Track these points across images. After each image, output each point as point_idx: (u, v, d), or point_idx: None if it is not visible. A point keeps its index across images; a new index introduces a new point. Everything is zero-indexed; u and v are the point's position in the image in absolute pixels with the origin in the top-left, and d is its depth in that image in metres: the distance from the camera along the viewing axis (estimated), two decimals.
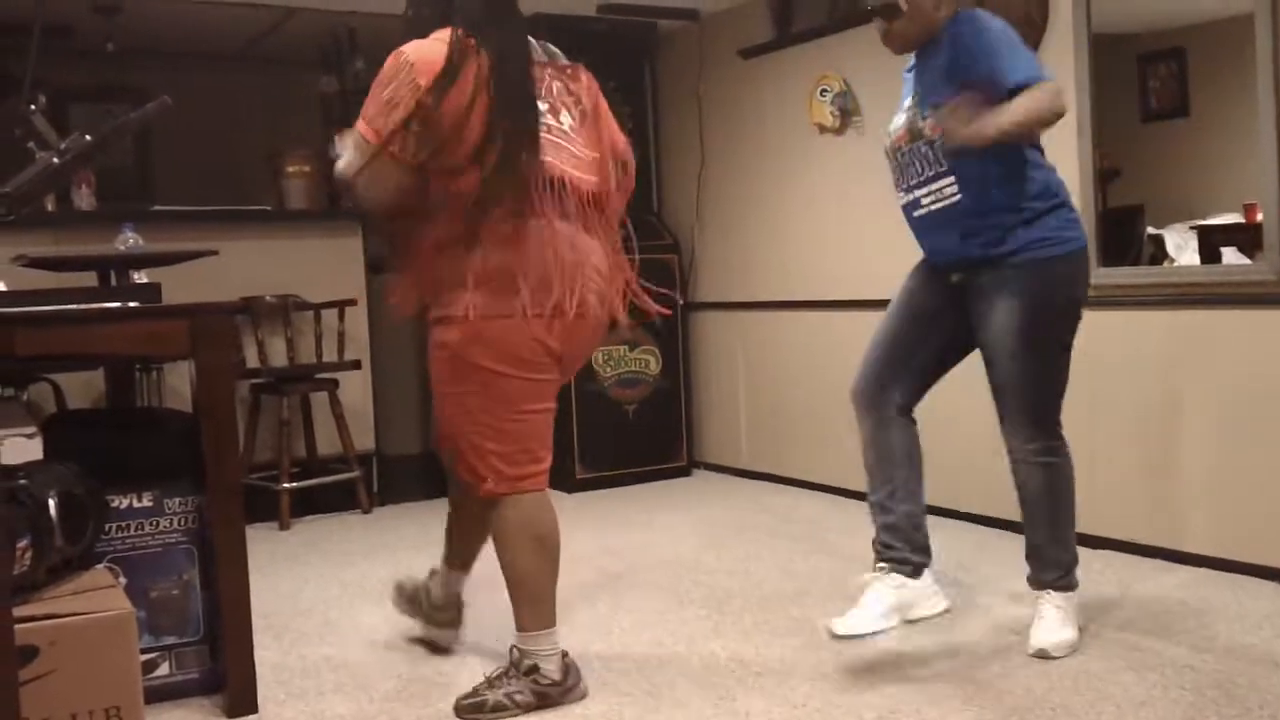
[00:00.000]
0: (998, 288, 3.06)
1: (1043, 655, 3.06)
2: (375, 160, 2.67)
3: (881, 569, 3.20)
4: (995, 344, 3.10)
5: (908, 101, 3.19)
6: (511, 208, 2.70)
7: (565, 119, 2.88)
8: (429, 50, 2.68)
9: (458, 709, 2.85)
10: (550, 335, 2.77)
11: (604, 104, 3.00)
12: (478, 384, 2.76)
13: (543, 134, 2.78)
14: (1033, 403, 3.13)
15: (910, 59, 3.24)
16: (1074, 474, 3.19)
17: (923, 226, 3.18)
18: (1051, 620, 3.13)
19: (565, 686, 2.88)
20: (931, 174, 3.09)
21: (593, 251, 2.87)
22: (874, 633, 3.09)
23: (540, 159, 2.75)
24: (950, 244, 3.13)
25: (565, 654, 2.90)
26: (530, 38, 2.92)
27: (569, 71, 2.98)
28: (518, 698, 2.83)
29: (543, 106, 2.82)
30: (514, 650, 2.87)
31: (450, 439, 2.86)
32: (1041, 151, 3.12)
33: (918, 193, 3.14)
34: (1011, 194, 3.03)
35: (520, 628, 2.86)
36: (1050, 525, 3.16)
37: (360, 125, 2.69)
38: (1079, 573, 3.21)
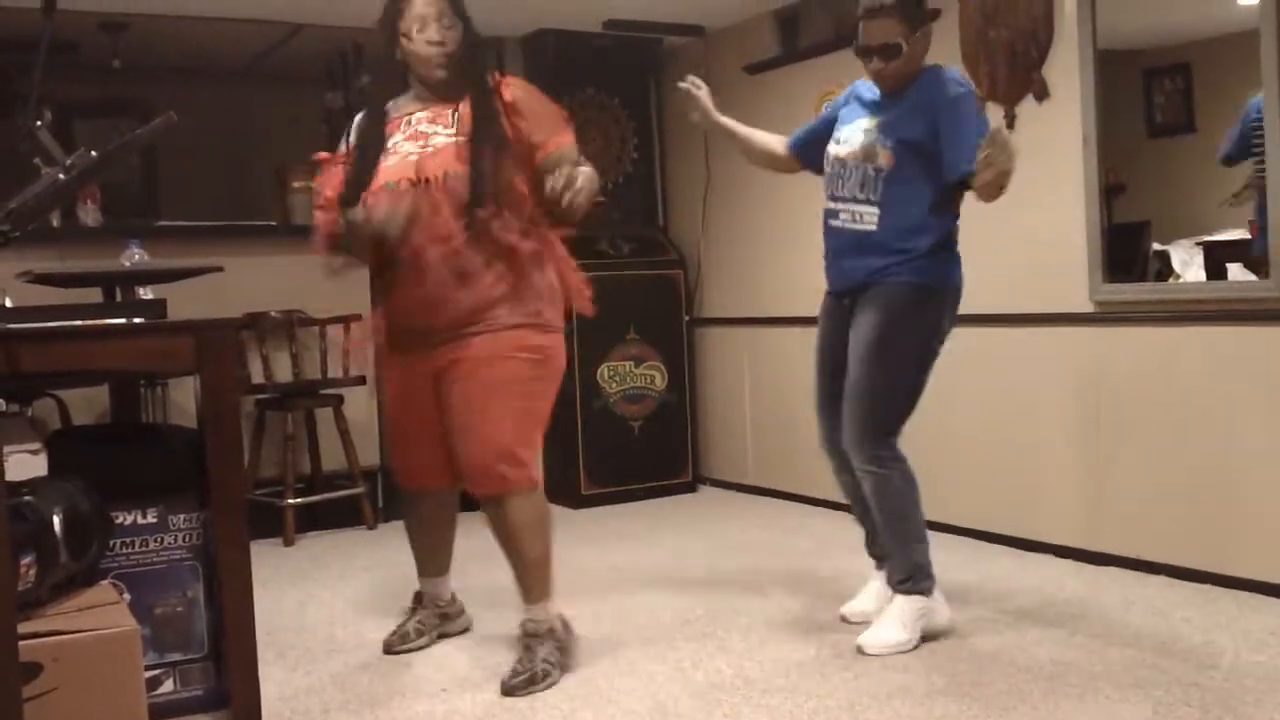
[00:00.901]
0: (870, 301, 3.33)
1: (859, 650, 3.28)
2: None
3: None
4: (851, 351, 3.36)
5: (864, 121, 3.37)
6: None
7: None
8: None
9: (512, 690, 3.07)
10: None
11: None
12: (548, 393, 3.23)
13: None
14: (866, 411, 3.32)
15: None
16: (909, 487, 3.35)
17: (832, 236, 3.45)
18: (886, 619, 3.34)
19: (571, 636, 3.32)
20: (863, 197, 3.32)
21: None
22: (902, 649, 3.28)
23: None
24: (849, 263, 3.39)
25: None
26: None
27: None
28: (553, 659, 3.16)
29: None
30: (528, 623, 3.22)
31: (498, 444, 3.10)
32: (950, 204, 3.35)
33: (839, 205, 3.39)
34: (918, 233, 3.28)
35: (533, 601, 3.22)
36: (889, 531, 3.38)
37: (573, 139, 3.19)
38: (928, 584, 3.37)
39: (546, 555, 3.22)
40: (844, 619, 3.56)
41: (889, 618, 3.34)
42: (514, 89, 3.22)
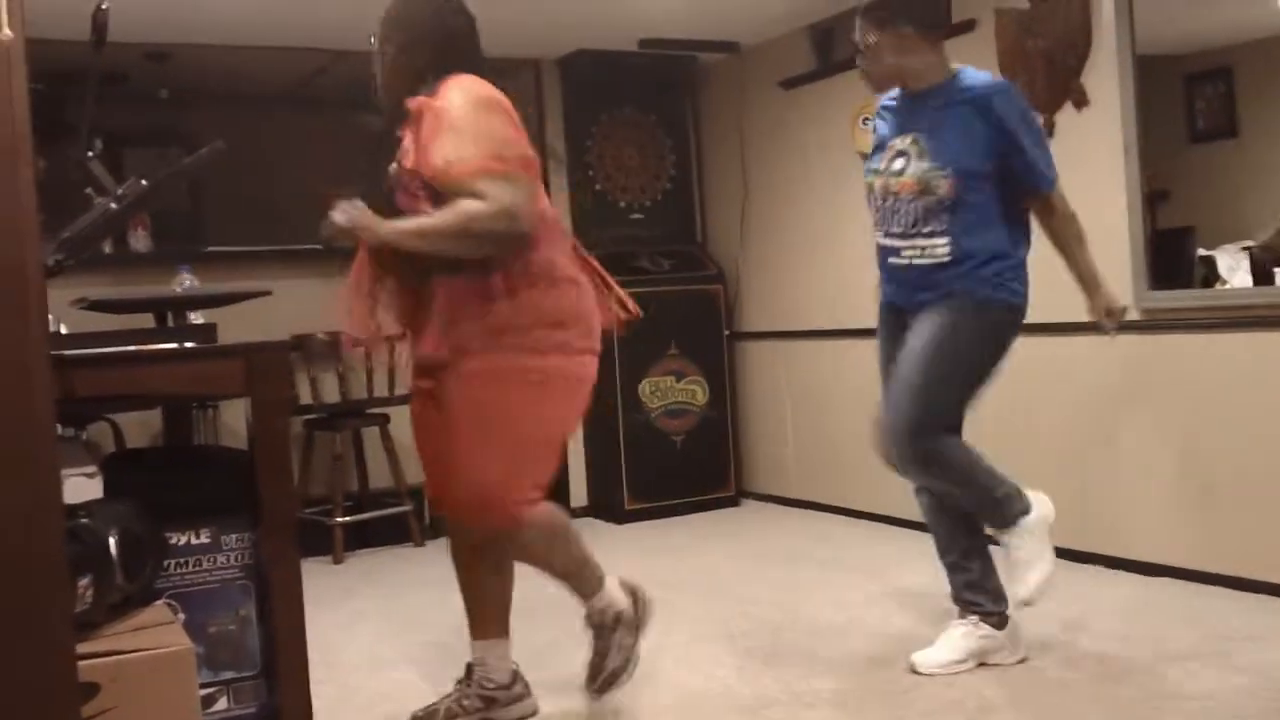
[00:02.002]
0: (934, 305, 3.20)
1: (912, 669, 3.25)
2: (523, 184, 2.73)
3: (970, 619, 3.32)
4: (905, 349, 3.24)
5: (898, 141, 3.24)
6: (545, 241, 2.88)
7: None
8: (488, 87, 2.80)
9: (599, 687, 2.99)
10: (592, 369, 2.99)
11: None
12: (565, 410, 2.95)
13: None
14: (910, 403, 3.20)
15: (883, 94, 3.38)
16: (965, 452, 3.23)
17: (898, 274, 3.28)
18: (943, 640, 3.30)
19: (643, 605, 3.12)
20: (928, 230, 3.17)
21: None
22: (953, 671, 3.20)
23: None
24: (923, 295, 3.23)
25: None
26: None
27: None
28: (626, 642, 3.01)
29: None
30: (594, 614, 3.01)
31: (475, 483, 2.84)
32: (1017, 208, 3.25)
33: (899, 243, 3.23)
34: (998, 256, 3.18)
35: (585, 598, 3.01)
36: (966, 495, 3.27)
37: (483, 164, 2.68)
38: (1023, 504, 3.22)
39: (572, 563, 2.99)
40: (913, 668, 3.27)
41: (945, 638, 3.26)
42: (437, 102, 2.79)
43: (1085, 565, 4.29)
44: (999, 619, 3.26)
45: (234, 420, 5.17)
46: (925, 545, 4.75)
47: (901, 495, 5.15)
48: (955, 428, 3.23)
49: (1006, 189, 3.17)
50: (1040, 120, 3.30)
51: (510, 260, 2.78)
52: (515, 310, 2.79)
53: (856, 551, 4.82)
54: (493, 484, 2.80)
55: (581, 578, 3.02)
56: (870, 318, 5.30)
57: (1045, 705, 2.96)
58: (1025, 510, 3.19)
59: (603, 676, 2.98)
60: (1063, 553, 4.36)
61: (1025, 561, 3.17)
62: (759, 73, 5.93)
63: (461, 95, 2.74)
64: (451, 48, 2.87)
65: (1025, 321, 3.26)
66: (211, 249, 5.72)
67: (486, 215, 2.67)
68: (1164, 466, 4.08)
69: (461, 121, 2.70)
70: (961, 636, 3.25)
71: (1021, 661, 3.27)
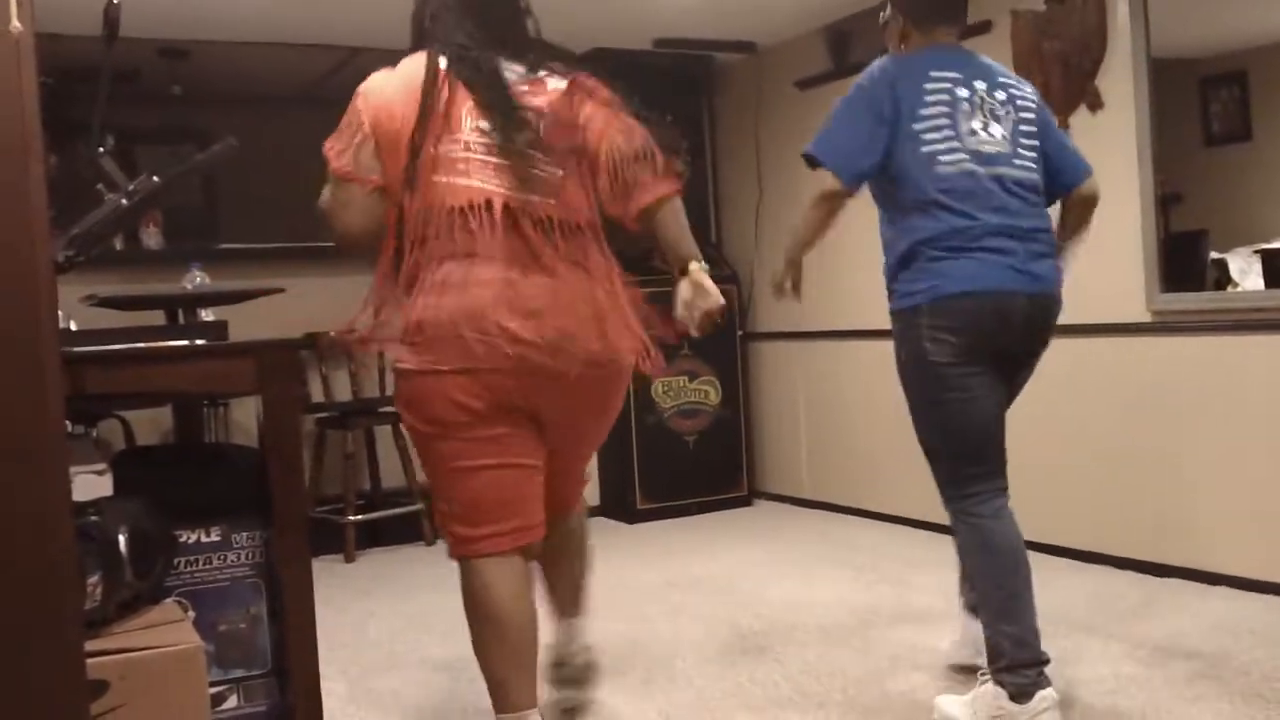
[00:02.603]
0: None
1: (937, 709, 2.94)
2: (335, 184, 2.61)
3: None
4: None
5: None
6: (419, 243, 2.52)
7: (523, 137, 2.55)
8: (377, 76, 2.67)
9: None
10: (466, 392, 2.46)
11: (582, 113, 2.63)
12: (418, 442, 2.63)
13: (463, 154, 2.52)
14: (931, 467, 2.97)
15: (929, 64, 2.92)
16: (974, 549, 2.86)
17: None
18: (968, 696, 2.88)
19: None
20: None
21: (567, 294, 2.48)
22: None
23: (451, 183, 2.50)
24: None
25: None
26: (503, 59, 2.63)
27: (527, 89, 2.61)
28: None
29: (481, 124, 2.53)
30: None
31: None
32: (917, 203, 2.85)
33: None
34: (890, 257, 2.95)
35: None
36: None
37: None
38: (1007, 679, 2.71)
39: (479, 656, 2.63)
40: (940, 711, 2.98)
41: (969, 696, 2.87)
42: None
43: (1094, 565, 4.27)
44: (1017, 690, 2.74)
45: (245, 418, 5.18)
46: (938, 546, 4.76)
47: (913, 496, 5.17)
48: (971, 486, 2.86)
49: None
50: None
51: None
52: None
53: (870, 552, 4.80)
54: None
55: (489, 684, 2.66)
56: (883, 320, 5.32)
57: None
58: (1006, 685, 2.72)
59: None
60: (1068, 552, 4.38)
61: (968, 704, 2.85)
62: (775, 73, 5.93)
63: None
64: (416, 28, 2.82)
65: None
66: (223, 246, 5.73)
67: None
68: (1177, 468, 4.06)
69: None
70: (975, 697, 2.85)
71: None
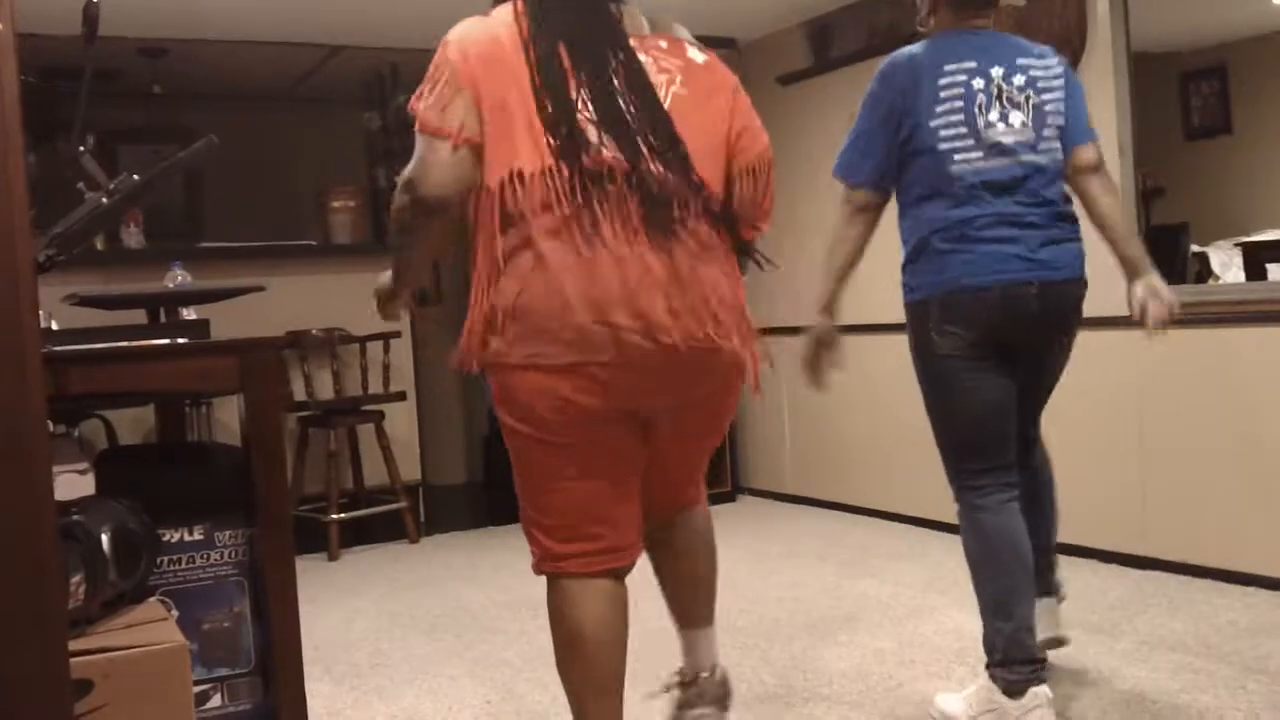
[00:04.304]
0: None
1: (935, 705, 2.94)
2: (422, 141, 2.22)
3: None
4: None
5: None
6: (519, 216, 2.17)
7: (643, 100, 2.25)
8: (468, 25, 2.28)
9: None
10: (575, 390, 2.17)
11: (724, 93, 2.36)
12: (509, 441, 2.32)
13: (578, 114, 2.19)
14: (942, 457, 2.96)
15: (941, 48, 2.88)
16: (974, 542, 2.84)
17: None
18: (967, 691, 2.89)
19: None
20: None
21: (684, 274, 2.19)
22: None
23: (584, 151, 2.16)
24: None
25: None
26: (616, 6, 2.33)
27: (664, 44, 2.34)
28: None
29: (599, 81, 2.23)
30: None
31: None
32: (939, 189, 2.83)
33: None
34: (905, 250, 2.97)
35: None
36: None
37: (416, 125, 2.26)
38: (1000, 674, 2.72)
39: (561, 676, 2.40)
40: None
41: (966, 692, 2.88)
42: None
43: (1080, 559, 4.29)
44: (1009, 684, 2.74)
45: (228, 417, 5.17)
46: (922, 539, 4.78)
47: (897, 490, 5.18)
48: (981, 476, 2.85)
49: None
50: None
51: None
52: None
53: (854, 548, 4.82)
54: None
55: (569, 705, 2.48)
56: (868, 316, 5.34)
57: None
58: (997, 679, 2.73)
59: None
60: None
61: (966, 697, 2.86)
62: (756, 69, 5.93)
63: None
64: None
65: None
66: (205, 245, 5.72)
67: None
68: (1159, 461, 4.08)
69: None
70: (973, 691, 2.86)
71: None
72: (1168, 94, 4.37)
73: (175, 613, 2.86)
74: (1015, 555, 2.78)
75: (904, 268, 2.95)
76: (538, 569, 2.37)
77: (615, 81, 2.22)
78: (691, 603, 2.69)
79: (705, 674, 2.68)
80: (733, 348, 2.26)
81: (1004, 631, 2.73)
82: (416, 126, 2.23)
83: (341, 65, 6.31)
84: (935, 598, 3.96)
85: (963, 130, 2.78)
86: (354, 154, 6.62)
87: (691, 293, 2.18)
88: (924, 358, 2.90)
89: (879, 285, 5.21)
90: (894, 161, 2.87)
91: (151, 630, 2.57)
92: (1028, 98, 2.84)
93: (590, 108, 2.19)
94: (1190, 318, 3.97)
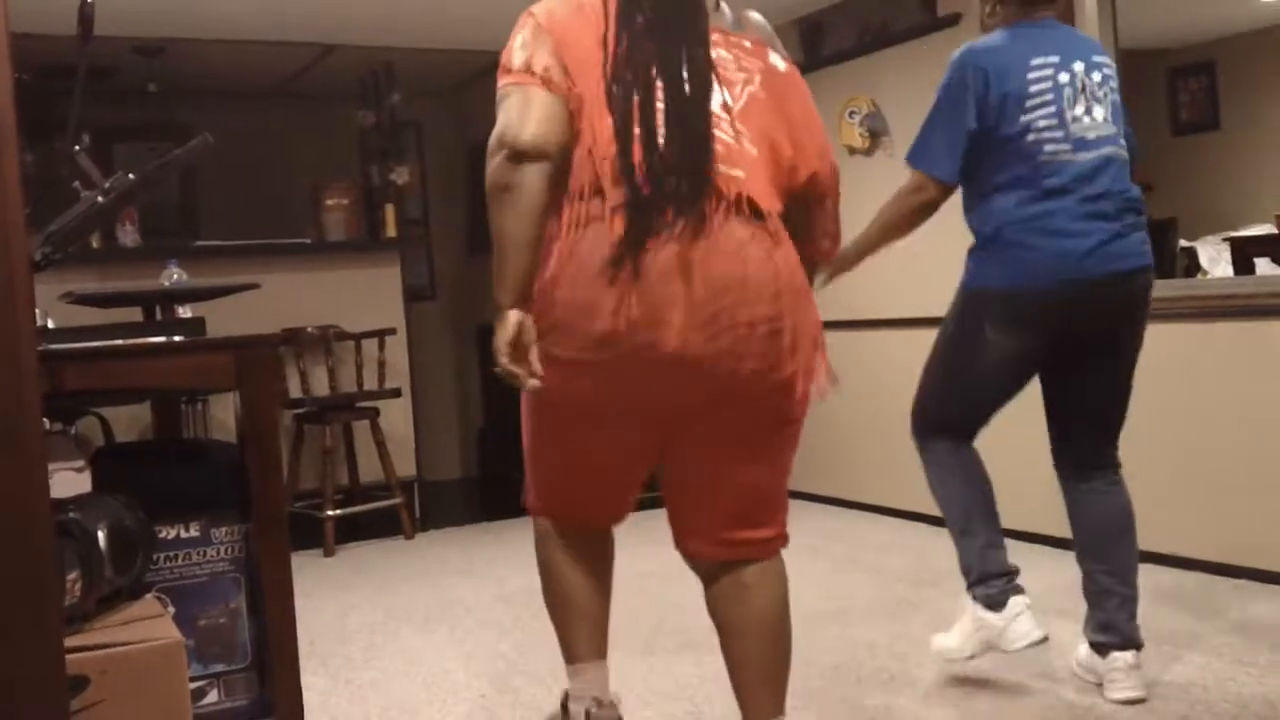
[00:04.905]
0: None
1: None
2: (515, 91, 2.12)
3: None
4: None
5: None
6: (599, 201, 2.09)
7: (717, 98, 2.17)
8: (552, 2, 2.23)
9: None
10: (595, 382, 2.14)
11: (796, 94, 2.30)
12: (530, 415, 2.38)
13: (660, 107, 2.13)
14: (918, 400, 3.13)
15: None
16: (943, 475, 3.05)
17: None
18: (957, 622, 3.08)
19: None
20: None
21: (729, 277, 2.08)
22: (952, 657, 3.09)
23: (657, 143, 2.09)
24: None
25: (599, 702, 2.52)
26: None
27: (748, 44, 2.30)
28: None
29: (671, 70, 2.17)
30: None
31: None
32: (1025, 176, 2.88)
33: None
34: (969, 220, 3.02)
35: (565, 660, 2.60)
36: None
37: (499, 82, 2.17)
38: (980, 590, 2.97)
39: (547, 603, 2.57)
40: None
41: (958, 623, 3.07)
42: None
43: (1065, 550, 4.31)
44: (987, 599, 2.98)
45: (223, 414, 5.19)
46: (913, 532, 4.80)
47: (890, 485, 5.20)
48: (946, 430, 3.05)
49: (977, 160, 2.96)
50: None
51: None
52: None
53: (846, 541, 4.84)
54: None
55: (559, 636, 2.59)
56: (859, 311, 5.36)
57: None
58: (979, 597, 2.97)
59: None
60: (1045, 540, 4.42)
61: (956, 628, 3.05)
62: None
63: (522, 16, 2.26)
64: None
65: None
66: (201, 243, 5.73)
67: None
68: (1145, 455, 4.10)
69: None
70: (961, 619, 3.07)
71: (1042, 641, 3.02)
72: (1155, 90, 4.39)
73: (171, 609, 2.87)
74: (973, 480, 3.02)
75: (972, 252, 2.99)
76: (528, 508, 2.51)
77: (685, 74, 2.14)
78: (753, 679, 2.47)
79: None
80: (756, 368, 2.12)
81: (973, 549, 2.96)
82: (509, 77, 2.13)
83: (335, 63, 6.32)
84: (927, 590, 3.99)
85: (1054, 123, 2.83)
86: (348, 152, 6.63)
87: (715, 303, 2.06)
88: (964, 338, 2.97)
89: (876, 282, 5.24)
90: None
91: (148, 626, 2.58)
92: (1105, 93, 2.91)
93: (656, 99, 2.12)
94: (1179, 312, 4.01)
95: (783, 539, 2.48)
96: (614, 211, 2.05)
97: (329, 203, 5.88)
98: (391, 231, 5.99)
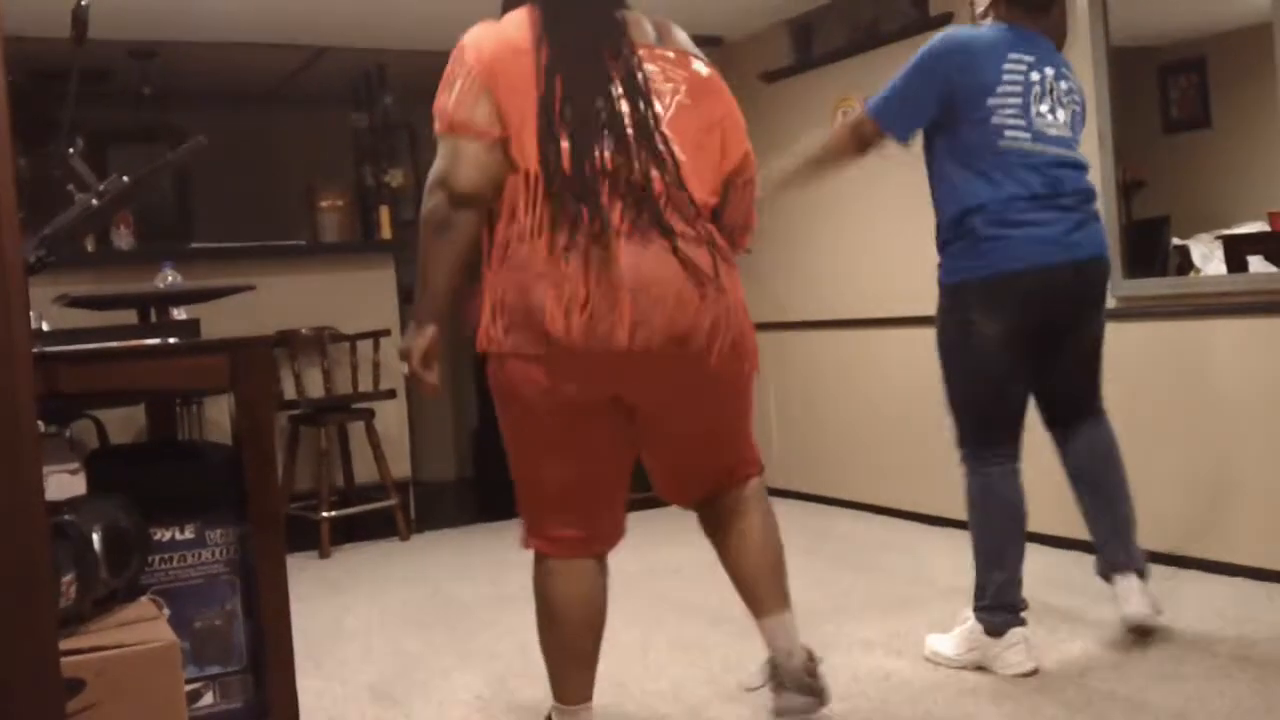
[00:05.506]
0: None
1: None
2: (447, 141, 2.34)
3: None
4: None
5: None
6: (535, 215, 2.30)
7: (650, 109, 2.38)
8: (481, 30, 2.43)
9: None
10: (555, 378, 2.31)
11: (720, 97, 2.52)
12: (503, 427, 2.48)
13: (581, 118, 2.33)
14: (949, 412, 3.23)
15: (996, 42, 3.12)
16: (981, 499, 3.15)
17: None
18: (956, 627, 3.20)
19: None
20: None
21: (660, 273, 2.29)
22: (941, 664, 3.20)
23: (591, 154, 2.30)
24: None
25: None
26: (623, 14, 2.47)
27: (671, 55, 2.48)
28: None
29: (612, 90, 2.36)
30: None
31: None
32: (985, 171, 3.05)
33: None
34: (938, 217, 3.17)
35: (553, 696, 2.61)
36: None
37: (435, 127, 2.38)
38: (988, 618, 3.09)
39: (541, 644, 2.59)
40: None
41: (953, 632, 3.19)
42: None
43: (1062, 549, 4.32)
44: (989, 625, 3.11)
45: (218, 415, 5.19)
46: (908, 532, 4.81)
47: (885, 484, 5.21)
48: (988, 441, 3.14)
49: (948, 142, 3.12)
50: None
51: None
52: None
53: (841, 540, 4.85)
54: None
55: (548, 671, 2.60)
56: (852, 310, 5.37)
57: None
58: (985, 623, 3.09)
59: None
60: (1037, 538, 4.41)
61: (954, 635, 3.18)
62: (741, 66, 5.94)
63: (455, 50, 2.44)
64: None
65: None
66: (195, 245, 5.73)
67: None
68: (1139, 453, 4.11)
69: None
70: (961, 629, 3.18)
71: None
72: (1146, 87, 4.39)
73: (167, 611, 2.87)
74: (1017, 513, 3.14)
75: (941, 248, 3.13)
76: (524, 544, 2.54)
77: (615, 89, 2.36)
78: (754, 586, 2.72)
79: (789, 660, 2.66)
80: (701, 349, 2.34)
81: (996, 580, 3.08)
82: (443, 127, 2.35)
83: (328, 66, 6.32)
84: (922, 589, 3.99)
85: (1017, 112, 3.03)
86: (342, 154, 6.64)
87: (663, 296, 2.28)
88: (957, 337, 3.12)
89: (864, 282, 5.25)
90: (927, 126, 3.14)
91: (143, 629, 2.58)
92: (1069, 103, 3.12)
93: (588, 115, 2.32)
94: (1172, 310, 4.02)
95: (757, 466, 2.71)
96: (557, 223, 2.27)
97: (323, 204, 5.89)
98: (386, 233, 6.00)
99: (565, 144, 2.29)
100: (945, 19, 4.67)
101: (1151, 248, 4.20)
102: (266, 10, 5.09)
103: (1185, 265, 4.13)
